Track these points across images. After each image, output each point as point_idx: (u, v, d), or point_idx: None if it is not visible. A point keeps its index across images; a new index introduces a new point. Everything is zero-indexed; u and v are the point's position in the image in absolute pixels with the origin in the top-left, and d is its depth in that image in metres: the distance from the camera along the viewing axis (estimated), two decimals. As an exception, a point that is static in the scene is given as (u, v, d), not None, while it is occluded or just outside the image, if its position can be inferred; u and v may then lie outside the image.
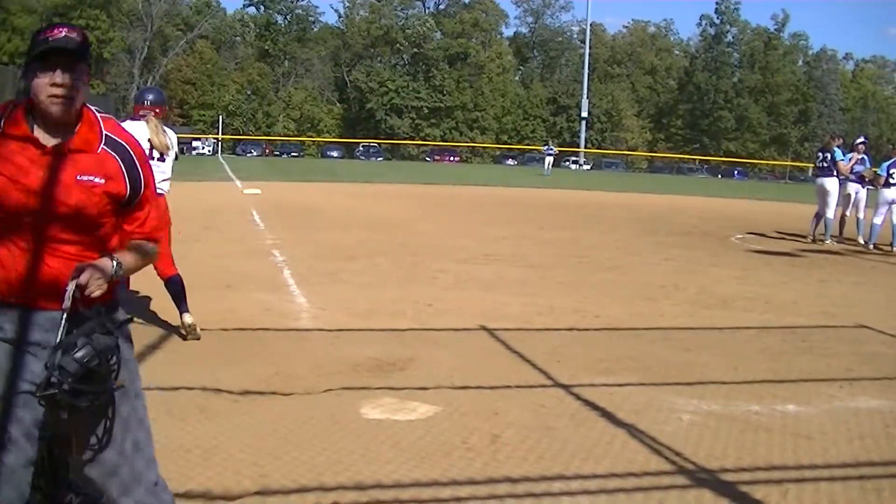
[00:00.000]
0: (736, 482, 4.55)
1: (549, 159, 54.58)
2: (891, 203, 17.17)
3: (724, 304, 10.01)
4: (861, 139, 18.86)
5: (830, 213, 17.65)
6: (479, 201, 26.68)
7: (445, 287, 10.42)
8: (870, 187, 18.72)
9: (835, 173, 17.53)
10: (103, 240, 2.89)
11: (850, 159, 17.67)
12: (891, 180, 17.14)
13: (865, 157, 18.07)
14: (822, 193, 17.71)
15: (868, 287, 11.96)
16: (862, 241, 17.38)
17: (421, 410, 5.53)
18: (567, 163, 77.45)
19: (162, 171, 7.15)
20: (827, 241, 17.29)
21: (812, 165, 17.60)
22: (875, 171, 18.10)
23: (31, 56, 2.75)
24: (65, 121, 2.80)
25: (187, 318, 7.17)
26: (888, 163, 17.43)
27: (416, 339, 7.65)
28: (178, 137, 7.72)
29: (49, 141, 2.78)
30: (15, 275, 2.75)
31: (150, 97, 7.38)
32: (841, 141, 18.25)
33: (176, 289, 7.25)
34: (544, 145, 60.09)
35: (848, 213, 18.51)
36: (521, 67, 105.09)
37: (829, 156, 17.53)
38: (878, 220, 17.27)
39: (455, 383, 6.19)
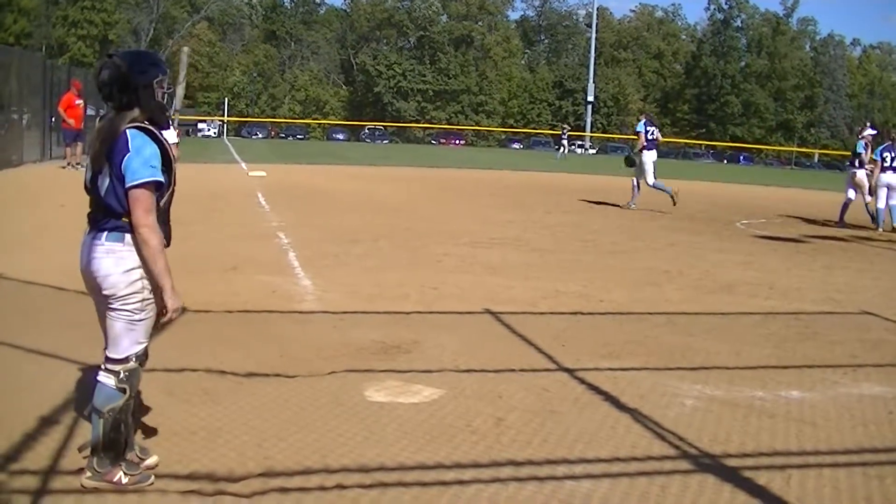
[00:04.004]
0: (739, 467, 4.56)
1: (563, 143, 54.20)
2: (888, 187, 17.32)
3: (729, 289, 10.01)
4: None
5: None
6: (484, 185, 26.62)
7: (450, 270, 10.42)
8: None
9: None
10: None
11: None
12: (884, 164, 17.34)
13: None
14: None
15: (873, 274, 11.94)
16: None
17: (425, 393, 5.55)
18: (573, 147, 77.17)
19: None
20: None
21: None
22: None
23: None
24: None
25: None
26: (881, 147, 17.81)
27: (420, 322, 7.66)
28: (183, 119, 7.61)
29: None
30: None
31: None
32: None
33: None
34: (562, 130, 58.72)
35: (853, 198, 18.63)
36: (528, 51, 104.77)
37: None
38: (881, 205, 17.48)
39: (459, 366, 6.21)
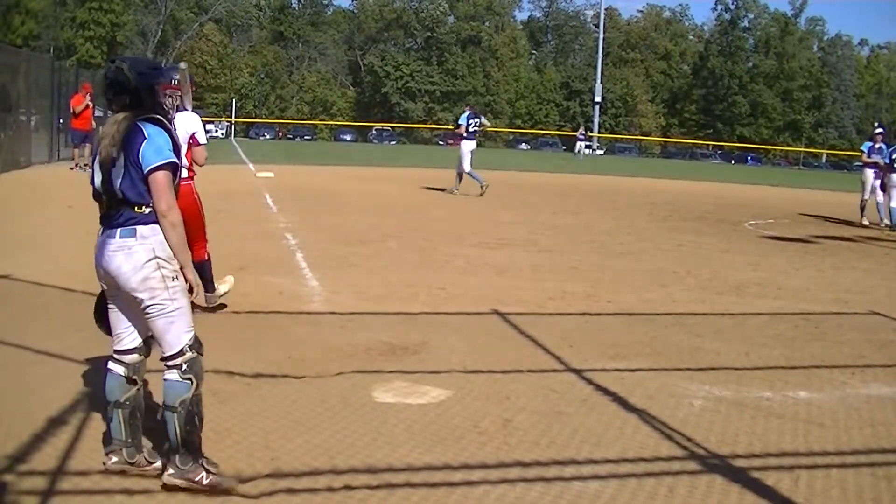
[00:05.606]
0: (747, 468, 4.55)
1: (580, 144, 56.03)
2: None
3: (737, 289, 9.99)
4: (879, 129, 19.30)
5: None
6: (491, 185, 26.54)
7: (458, 271, 10.42)
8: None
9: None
10: None
11: (868, 149, 18.46)
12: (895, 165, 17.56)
13: (883, 147, 18.42)
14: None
15: (881, 274, 11.92)
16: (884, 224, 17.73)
17: (433, 394, 5.55)
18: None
19: None
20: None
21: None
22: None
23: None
24: None
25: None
26: (890, 149, 18.05)
27: (428, 323, 7.66)
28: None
29: None
30: None
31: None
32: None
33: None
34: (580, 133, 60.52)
35: (867, 198, 18.89)
36: (535, 52, 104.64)
37: None
38: (894, 204, 17.54)
39: (467, 367, 6.20)
